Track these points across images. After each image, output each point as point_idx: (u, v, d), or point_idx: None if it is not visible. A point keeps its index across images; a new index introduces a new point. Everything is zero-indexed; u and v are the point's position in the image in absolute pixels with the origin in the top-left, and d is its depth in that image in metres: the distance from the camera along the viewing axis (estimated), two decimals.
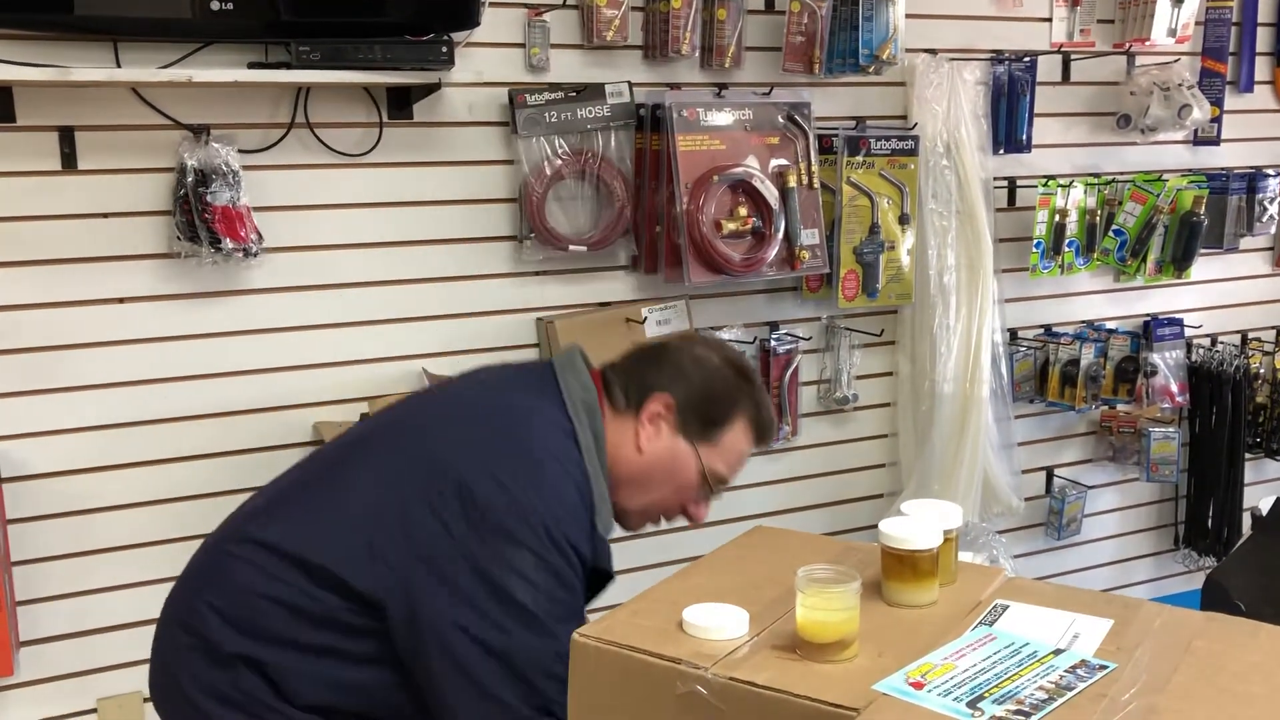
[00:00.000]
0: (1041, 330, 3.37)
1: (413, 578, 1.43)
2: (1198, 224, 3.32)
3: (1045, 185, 3.17)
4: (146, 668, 2.40)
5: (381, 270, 2.54)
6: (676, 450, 1.62)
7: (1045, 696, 1.02)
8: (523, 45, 2.60)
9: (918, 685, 1.05)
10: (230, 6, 2.17)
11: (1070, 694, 1.03)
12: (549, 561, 1.43)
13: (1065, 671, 1.07)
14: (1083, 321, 3.42)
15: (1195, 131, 3.45)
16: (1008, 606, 1.22)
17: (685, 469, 1.63)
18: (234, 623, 1.50)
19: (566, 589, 1.46)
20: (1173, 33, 3.23)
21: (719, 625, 1.16)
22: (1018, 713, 1.00)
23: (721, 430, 1.63)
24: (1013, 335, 3.29)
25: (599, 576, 1.58)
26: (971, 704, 1.01)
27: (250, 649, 1.48)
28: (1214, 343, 3.60)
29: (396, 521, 1.45)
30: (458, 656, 1.41)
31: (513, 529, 1.43)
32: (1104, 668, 1.08)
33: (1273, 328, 3.74)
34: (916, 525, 1.24)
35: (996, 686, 1.04)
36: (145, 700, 2.42)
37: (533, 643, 1.40)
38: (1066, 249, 3.23)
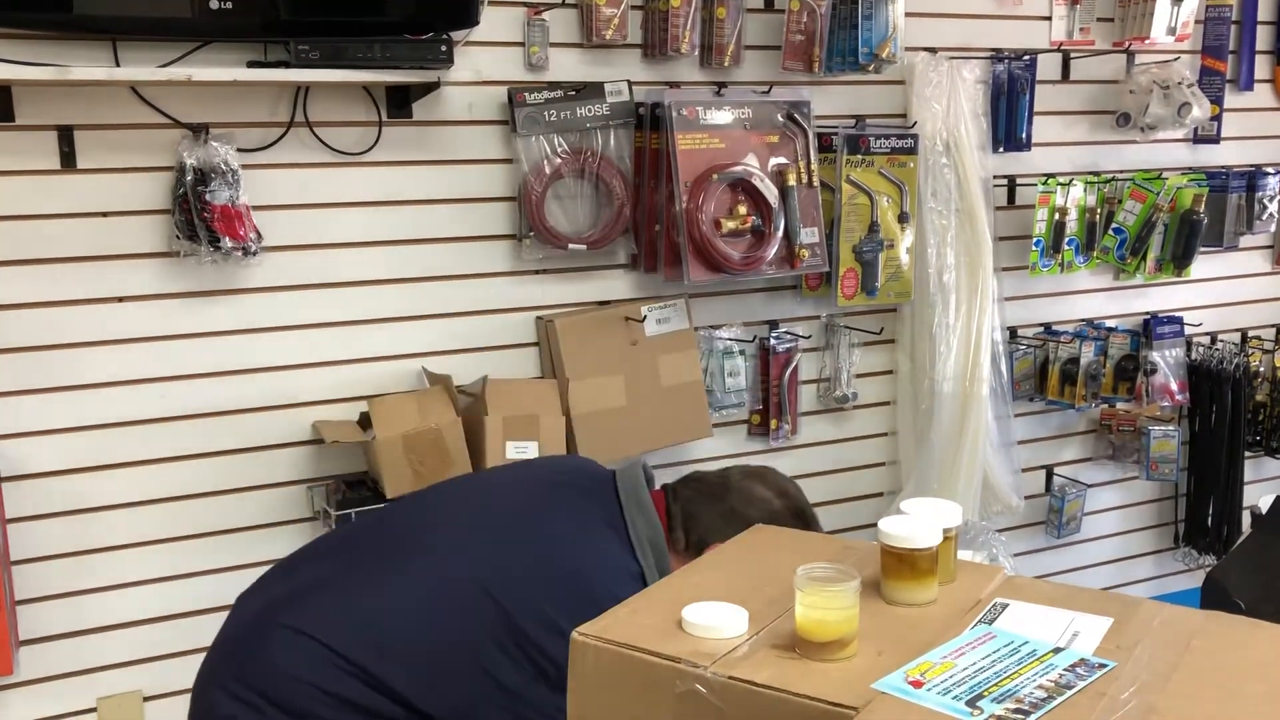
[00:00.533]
0: (1041, 329, 3.37)
1: (478, 712, 1.46)
2: (1197, 222, 3.31)
3: (1045, 183, 3.17)
4: (147, 666, 2.42)
5: (381, 269, 2.54)
6: None
7: (1044, 695, 1.02)
8: (522, 44, 2.59)
9: (917, 684, 1.05)
10: (229, 5, 2.17)
11: (1070, 692, 1.03)
12: None
13: (1064, 670, 1.07)
14: (1082, 320, 3.42)
15: (1195, 130, 3.45)
16: (1007, 605, 1.22)
17: None
18: (278, 704, 1.51)
19: None
20: (1172, 31, 3.23)
21: (718, 624, 1.16)
22: (1017, 711, 1.00)
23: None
24: (1012, 333, 3.29)
25: None
26: (971, 703, 1.01)
27: None
28: (1214, 341, 3.60)
29: (465, 656, 1.48)
30: None
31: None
32: (1103, 666, 1.07)
33: (1272, 326, 3.74)
34: (916, 524, 1.24)
35: (996, 685, 1.04)
36: (145, 699, 2.42)
37: None
38: (1066, 247, 3.23)
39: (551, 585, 1.52)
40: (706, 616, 1.16)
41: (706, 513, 1.63)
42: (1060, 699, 1.02)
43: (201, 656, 2.49)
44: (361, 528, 1.75)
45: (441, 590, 1.53)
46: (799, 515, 1.68)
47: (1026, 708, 1.00)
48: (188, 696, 2.44)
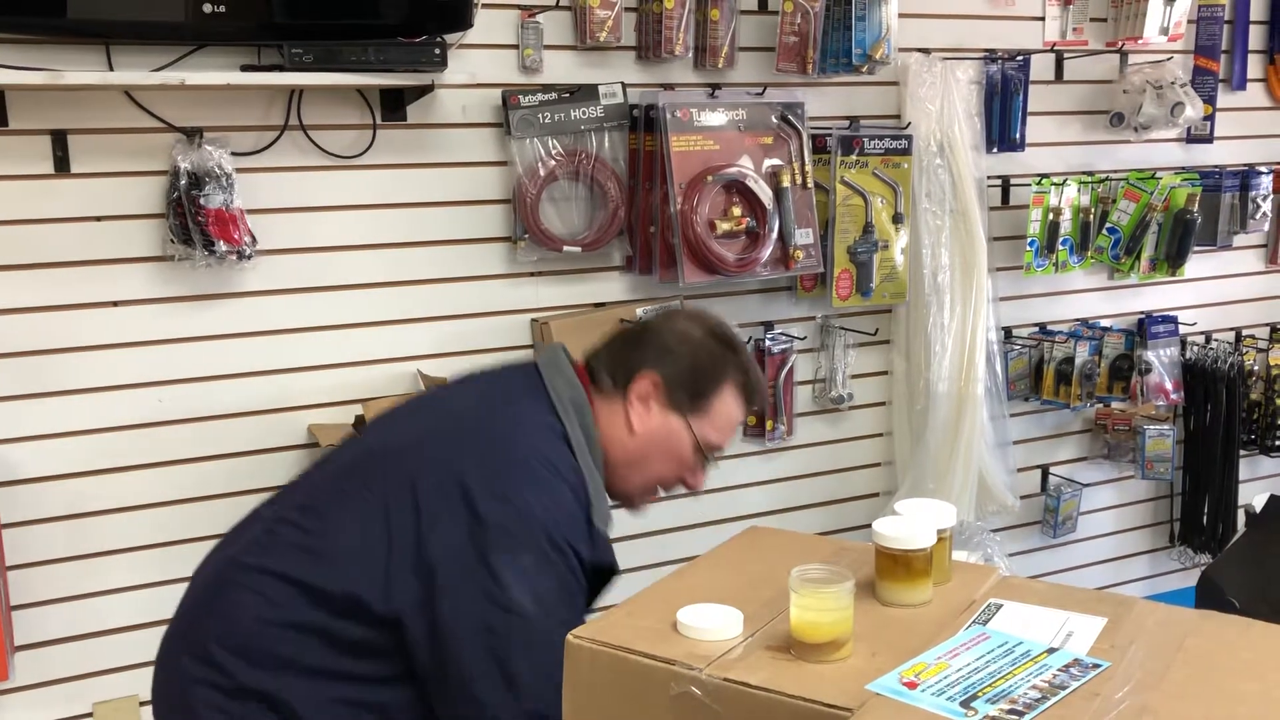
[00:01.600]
0: (1036, 328, 3.37)
1: (428, 593, 1.44)
2: (1191, 222, 3.32)
3: (1039, 184, 3.17)
4: (143, 671, 2.41)
5: (375, 272, 2.54)
6: (669, 426, 1.64)
7: (1039, 695, 1.02)
8: (516, 46, 2.60)
9: (911, 685, 1.05)
10: (223, 9, 2.16)
11: (1064, 693, 1.03)
12: (551, 566, 1.45)
13: (1059, 670, 1.07)
14: (1077, 319, 3.43)
15: (1188, 129, 3.46)
16: (1001, 605, 1.22)
17: (679, 443, 1.65)
18: (245, 654, 1.49)
19: (567, 593, 1.47)
20: (1165, 31, 3.24)
21: (713, 626, 1.16)
22: (1011, 712, 1.00)
23: (710, 400, 1.65)
24: (1007, 333, 3.30)
25: (603, 573, 1.59)
26: (965, 703, 1.01)
27: (264, 681, 1.48)
28: (1208, 340, 3.60)
29: (409, 542, 1.46)
30: (464, 665, 1.42)
31: (514, 538, 1.44)
32: (1097, 666, 1.08)
33: (1266, 325, 3.74)
34: (910, 524, 1.24)
35: (990, 686, 1.04)
36: (142, 704, 2.42)
37: (533, 650, 1.41)
38: (1060, 247, 3.23)
39: (484, 451, 1.51)
40: (701, 618, 1.17)
41: (631, 353, 1.66)
42: (1054, 699, 1.02)
43: None
44: (306, 470, 1.74)
45: (381, 489, 1.52)
46: (723, 340, 1.69)
47: (1021, 708, 1.00)
48: None
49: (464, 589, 1.42)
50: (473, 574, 1.42)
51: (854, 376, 3.11)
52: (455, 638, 1.42)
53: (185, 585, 2.41)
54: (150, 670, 2.40)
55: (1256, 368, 3.62)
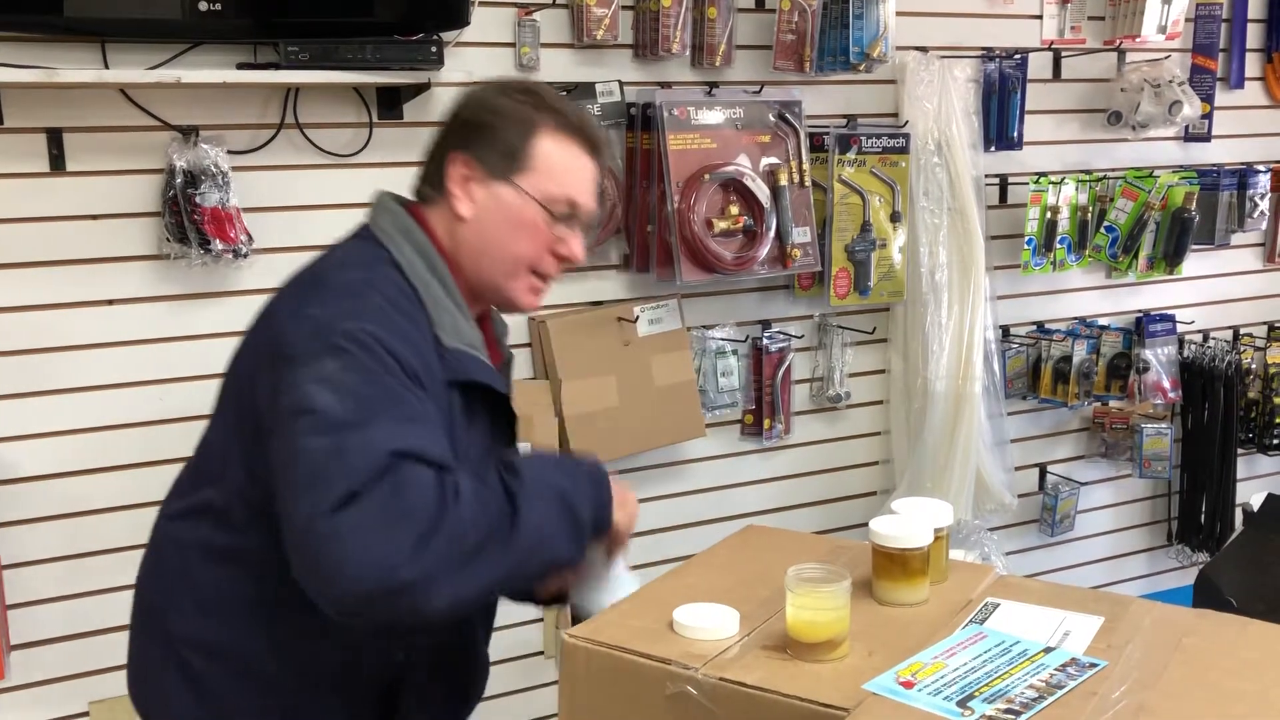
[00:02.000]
0: (1034, 327, 3.37)
1: (263, 443, 1.35)
2: (1189, 220, 3.32)
3: (1037, 182, 3.17)
4: None
5: None
6: (497, 197, 1.48)
7: (1035, 695, 1.02)
8: (513, 44, 2.59)
9: (908, 684, 1.05)
10: (218, 7, 2.16)
11: (1060, 692, 1.03)
12: (357, 363, 1.30)
13: (1055, 670, 1.07)
14: (1075, 318, 3.43)
15: (1186, 128, 3.46)
16: (998, 605, 1.22)
17: (518, 211, 1.49)
18: (186, 607, 1.48)
19: (377, 383, 1.30)
20: (1163, 29, 3.24)
21: (709, 625, 1.16)
22: (1008, 711, 1.00)
23: (528, 152, 1.48)
24: (1005, 332, 3.29)
25: (484, 393, 1.47)
26: (961, 703, 1.01)
27: (195, 625, 1.46)
28: (1206, 339, 3.60)
29: (248, 414, 1.41)
30: (289, 486, 1.28)
31: (312, 352, 1.31)
32: (1094, 665, 1.07)
33: (1264, 323, 3.74)
34: (907, 524, 1.24)
35: (987, 685, 1.04)
36: None
37: (346, 441, 1.24)
38: (1058, 246, 3.23)
39: (296, 294, 1.44)
40: (697, 618, 1.16)
41: (436, 150, 1.54)
42: (1051, 699, 1.02)
43: None
44: None
45: (224, 395, 1.53)
46: (520, 90, 1.54)
47: (1017, 708, 1.00)
48: None
49: (280, 421, 1.30)
50: (282, 401, 1.30)
51: (851, 375, 3.10)
52: (280, 466, 1.29)
53: None
54: None
55: (1254, 366, 3.62)
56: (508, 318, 1.74)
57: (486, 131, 1.50)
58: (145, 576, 1.57)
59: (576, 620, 1.44)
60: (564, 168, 1.50)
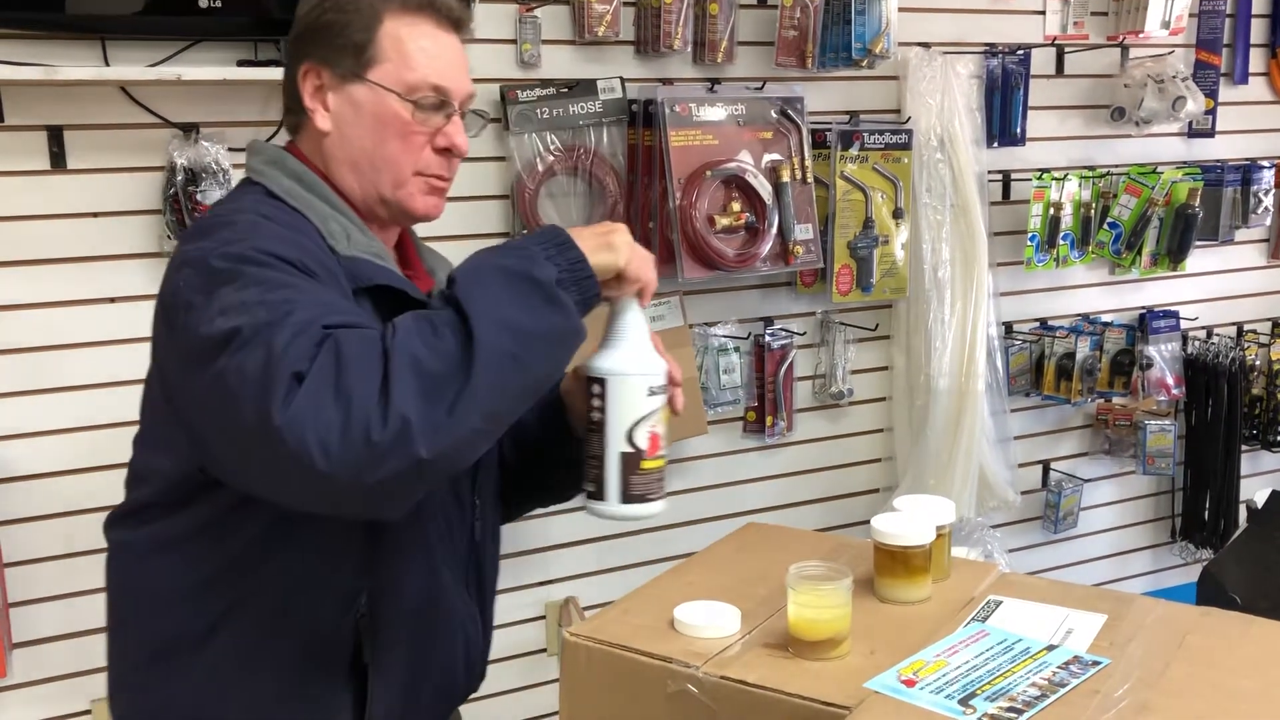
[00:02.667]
0: (1037, 324, 3.36)
1: (170, 403, 1.28)
2: (1193, 216, 3.31)
3: (1040, 178, 3.16)
4: None
5: None
6: (352, 99, 1.35)
7: (1038, 693, 1.02)
8: (514, 41, 2.59)
9: (910, 683, 1.04)
10: (219, 4, 2.16)
11: (1063, 690, 1.02)
12: (247, 277, 1.19)
13: (1058, 668, 1.06)
14: (1078, 315, 3.42)
15: (1190, 124, 3.45)
16: (1001, 602, 1.21)
17: (378, 109, 1.35)
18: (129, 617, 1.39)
19: (281, 285, 1.19)
20: (1166, 25, 3.23)
21: (710, 623, 1.15)
22: (1010, 710, 0.99)
23: (376, 42, 1.34)
24: (1008, 329, 3.29)
25: (391, 295, 1.32)
26: (964, 701, 1.01)
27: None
28: (1210, 335, 3.59)
29: (155, 379, 1.34)
30: (201, 425, 1.23)
31: (198, 286, 1.22)
32: (1097, 663, 1.07)
33: (1268, 320, 3.74)
34: (909, 521, 1.24)
35: (989, 683, 1.04)
36: None
37: (272, 338, 1.13)
38: (1061, 242, 3.22)
39: (181, 246, 1.33)
40: (698, 616, 1.16)
41: (286, 72, 1.41)
42: (1053, 697, 1.01)
43: None
44: None
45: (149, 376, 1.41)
46: None
47: (1020, 706, 1.00)
48: None
49: (198, 363, 1.18)
50: (193, 346, 1.19)
51: (854, 372, 3.10)
52: (206, 402, 1.19)
53: None
54: None
55: (1258, 363, 3.61)
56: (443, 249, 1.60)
57: (328, 32, 1.35)
58: (109, 593, 1.45)
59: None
60: (418, 49, 1.35)
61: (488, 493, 1.49)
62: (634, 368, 1.28)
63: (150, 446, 1.36)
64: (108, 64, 2.22)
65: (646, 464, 1.28)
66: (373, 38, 1.34)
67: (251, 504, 1.24)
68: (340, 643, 1.32)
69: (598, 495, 1.30)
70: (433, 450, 1.08)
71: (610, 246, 1.25)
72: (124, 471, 2.38)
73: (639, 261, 1.27)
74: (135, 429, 2.26)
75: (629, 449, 1.28)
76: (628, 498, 1.29)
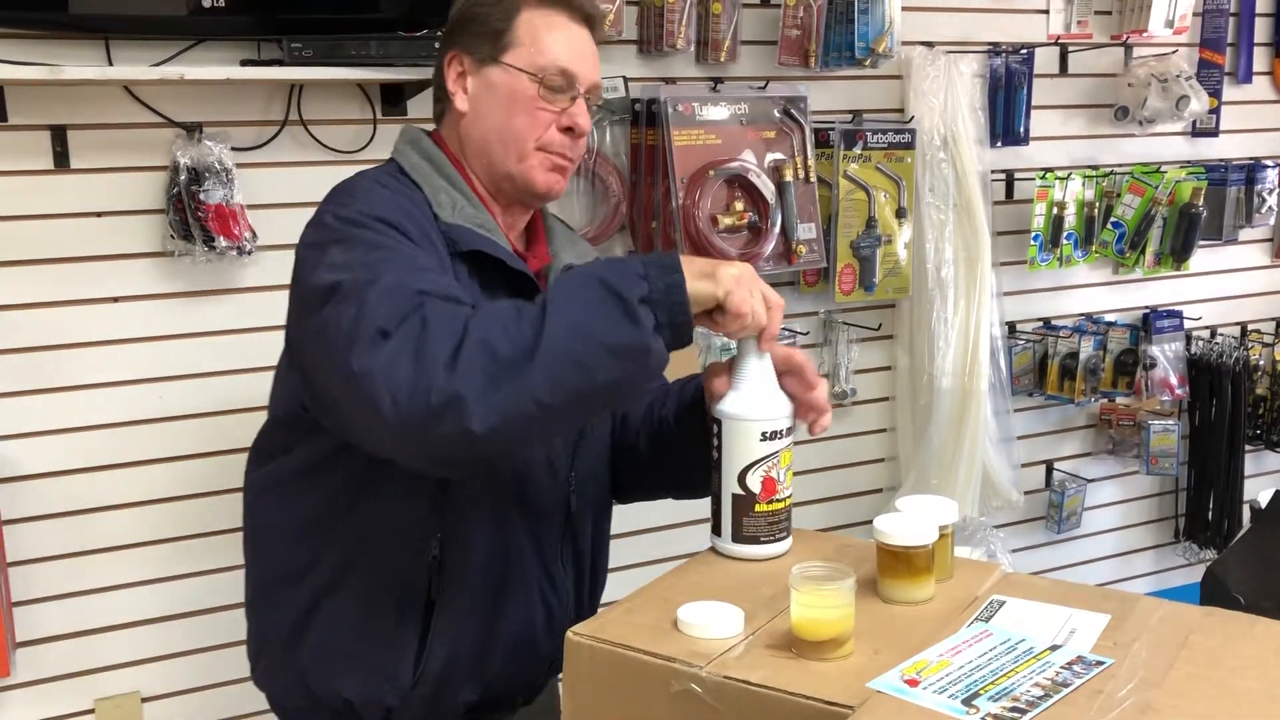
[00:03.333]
0: (1040, 323, 3.36)
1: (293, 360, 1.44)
2: (1196, 216, 3.31)
3: (1043, 178, 3.16)
4: (145, 667, 2.42)
5: None
6: (488, 82, 1.48)
7: (1041, 693, 1.02)
8: None
9: (913, 683, 1.04)
10: (222, 3, 2.16)
11: (1066, 690, 1.02)
12: (354, 238, 1.33)
13: (1061, 667, 1.06)
14: (1081, 314, 3.42)
15: (1193, 123, 3.45)
16: (1004, 602, 1.21)
17: (510, 89, 1.47)
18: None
19: (382, 247, 1.32)
20: (1170, 24, 3.22)
21: (713, 624, 1.15)
22: (1013, 709, 0.99)
23: (513, 30, 1.47)
24: (1011, 328, 3.28)
25: (505, 276, 1.43)
26: (967, 701, 1.01)
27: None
28: (1213, 335, 3.59)
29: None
30: (317, 372, 1.34)
31: (313, 246, 1.37)
32: (1100, 663, 1.07)
33: (1272, 319, 3.73)
34: (911, 521, 1.23)
35: (992, 683, 1.03)
36: (143, 700, 2.42)
37: (367, 295, 1.25)
38: (1065, 241, 3.22)
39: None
40: (702, 616, 1.16)
41: (440, 48, 1.55)
42: (1057, 697, 1.01)
43: (200, 657, 2.49)
44: None
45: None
46: None
47: (1023, 706, 1.00)
48: (186, 697, 2.45)
49: (306, 315, 1.34)
50: (304, 299, 1.35)
51: (857, 372, 3.10)
52: (312, 346, 1.34)
53: (187, 581, 2.43)
54: (154, 666, 2.42)
55: (1262, 362, 3.60)
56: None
57: (472, 23, 1.50)
58: (250, 564, 1.57)
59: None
60: (550, 37, 1.48)
61: (588, 470, 1.55)
62: (747, 413, 1.31)
63: (276, 390, 1.52)
64: (111, 63, 2.22)
65: (760, 507, 1.32)
66: (510, 26, 1.48)
67: (345, 450, 1.38)
68: (412, 584, 1.41)
69: (716, 531, 1.37)
70: (483, 426, 1.16)
71: (711, 277, 1.26)
72: (128, 470, 2.40)
73: (741, 297, 1.27)
74: (140, 427, 2.30)
75: (740, 492, 1.32)
76: (739, 539, 1.34)
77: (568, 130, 1.48)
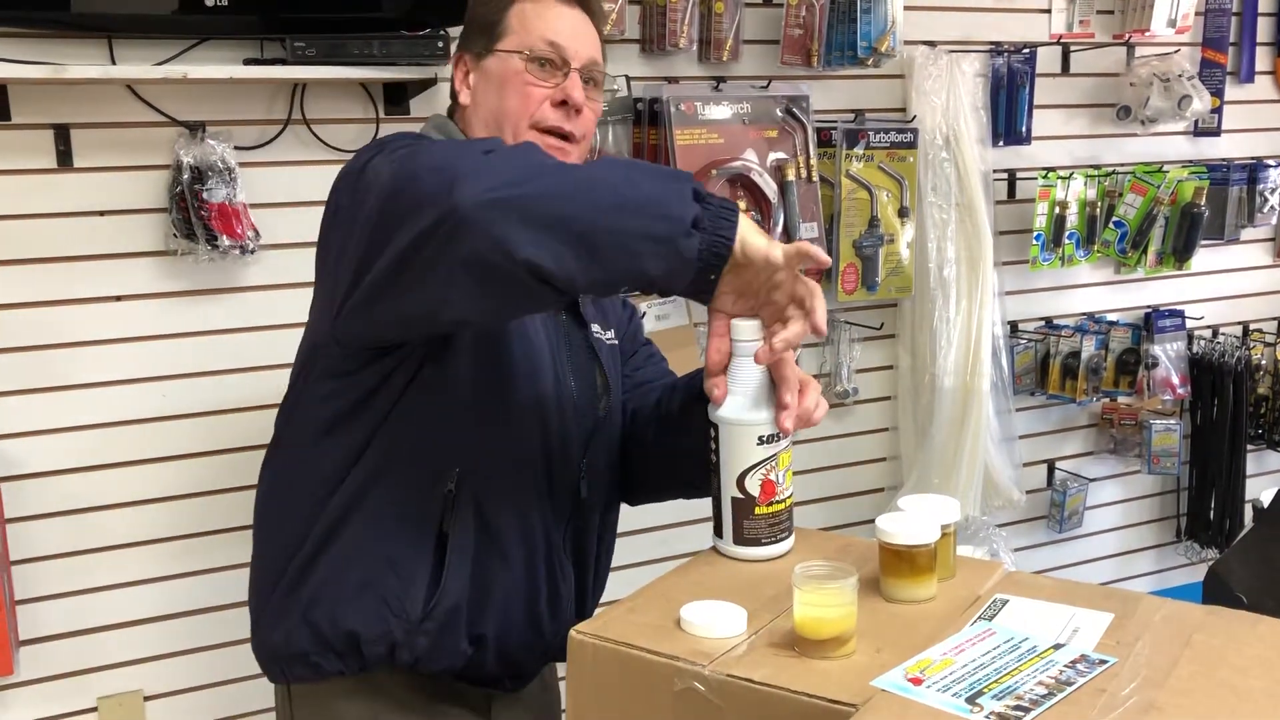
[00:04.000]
0: (1042, 323, 3.36)
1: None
2: (1198, 215, 3.31)
3: (1045, 177, 3.16)
4: (148, 665, 2.42)
5: None
6: (485, 71, 1.53)
7: (1045, 692, 1.02)
8: None
9: (916, 681, 1.04)
10: (225, 3, 2.16)
11: (1070, 689, 1.02)
12: (396, 144, 1.37)
13: (1065, 666, 1.06)
14: (1083, 314, 3.42)
15: (1195, 122, 3.44)
16: (1007, 601, 1.21)
17: (500, 70, 1.50)
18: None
19: (420, 141, 1.39)
20: (1172, 23, 3.22)
21: (716, 623, 1.15)
22: (1017, 708, 0.99)
23: (502, 22, 1.52)
24: (1013, 328, 3.28)
25: None
26: (970, 700, 1.01)
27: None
28: (1215, 334, 3.59)
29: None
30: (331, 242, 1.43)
31: (349, 174, 1.41)
32: (1104, 662, 1.07)
33: (1274, 319, 3.73)
34: (914, 521, 1.23)
35: (996, 682, 1.04)
36: (146, 699, 2.42)
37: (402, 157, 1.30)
38: (1067, 241, 3.22)
39: None
40: (705, 615, 1.16)
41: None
42: (1060, 695, 1.01)
43: (203, 656, 2.49)
44: None
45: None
46: None
47: (1027, 704, 1.00)
48: (189, 695, 2.46)
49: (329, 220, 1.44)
50: (333, 221, 1.42)
51: (859, 371, 3.10)
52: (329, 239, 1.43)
53: (190, 580, 2.43)
54: (156, 665, 2.42)
55: (1264, 362, 3.60)
56: None
57: (471, 24, 1.57)
58: (260, 540, 1.58)
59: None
60: (540, 18, 1.51)
61: (601, 460, 1.56)
62: (743, 417, 1.31)
63: (305, 340, 1.55)
64: (114, 62, 2.22)
65: (760, 510, 1.32)
66: (503, 17, 1.52)
67: (374, 394, 1.42)
68: (426, 513, 1.43)
69: (718, 532, 1.37)
70: (502, 194, 1.14)
71: (768, 239, 1.23)
72: (131, 469, 2.40)
73: (790, 269, 1.23)
74: (143, 426, 2.29)
75: (739, 495, 1.32)
76: (741, 541, 1.34)
77: (562, 105, 1.49)
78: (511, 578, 1.48)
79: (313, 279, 2.51)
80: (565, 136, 1.50)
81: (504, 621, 1.48)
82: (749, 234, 1.21)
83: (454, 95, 1.58)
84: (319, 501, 1.46)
